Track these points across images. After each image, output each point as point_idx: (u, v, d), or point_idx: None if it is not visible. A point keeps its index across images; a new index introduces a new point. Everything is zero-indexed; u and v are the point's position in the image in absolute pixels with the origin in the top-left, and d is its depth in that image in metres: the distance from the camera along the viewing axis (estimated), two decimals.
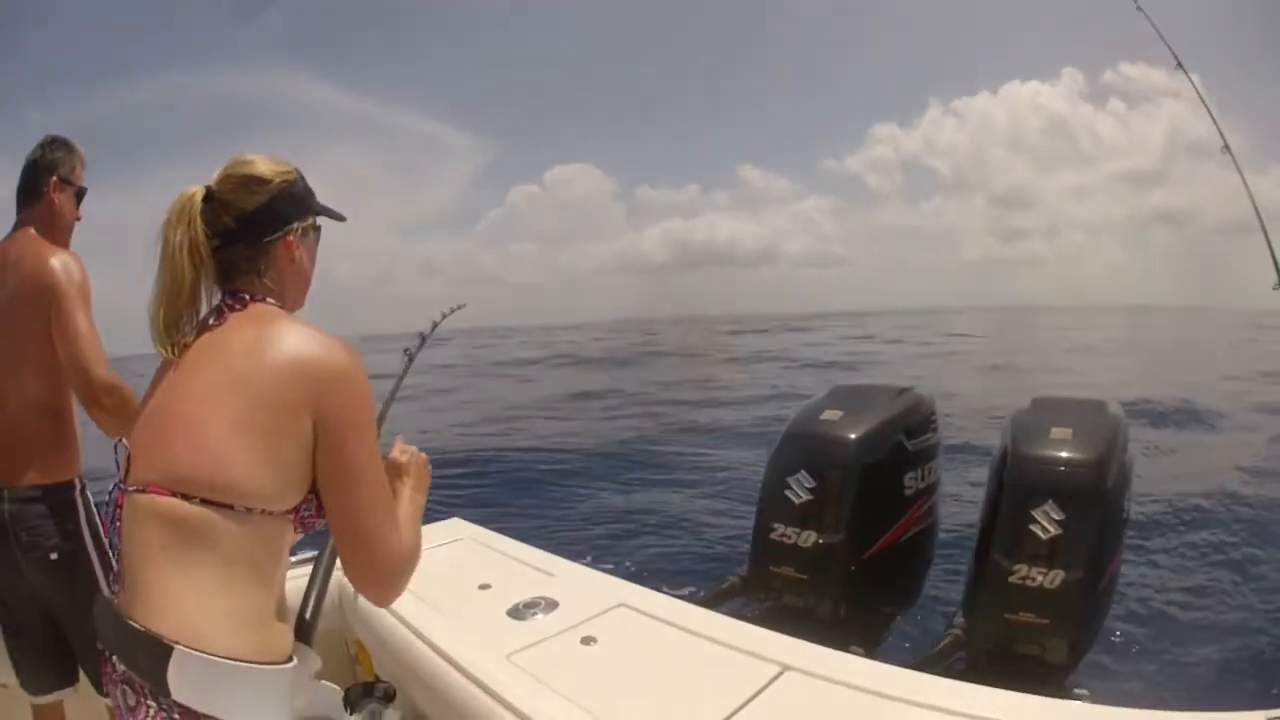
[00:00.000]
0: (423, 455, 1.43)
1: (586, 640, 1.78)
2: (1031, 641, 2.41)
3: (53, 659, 2.10)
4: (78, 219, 2.22)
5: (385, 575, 1.17)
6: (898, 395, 3.15)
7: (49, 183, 2.13)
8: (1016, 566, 2.43)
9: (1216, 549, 5.14)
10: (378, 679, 2.02)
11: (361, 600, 2.07)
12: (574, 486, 6.91)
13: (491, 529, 2.68)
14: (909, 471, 2.95)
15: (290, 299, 1.29)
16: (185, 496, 1.05)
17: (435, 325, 2.36)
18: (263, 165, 1.25)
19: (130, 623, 1.02)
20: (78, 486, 2.09)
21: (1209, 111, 3.42)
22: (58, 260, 2.03)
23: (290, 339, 1.14)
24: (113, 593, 1.78)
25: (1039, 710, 1.48)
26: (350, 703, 1.92)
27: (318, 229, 1.34)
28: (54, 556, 1.99)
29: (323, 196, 1.34)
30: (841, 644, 1.87)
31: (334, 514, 1.14)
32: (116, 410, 1.96)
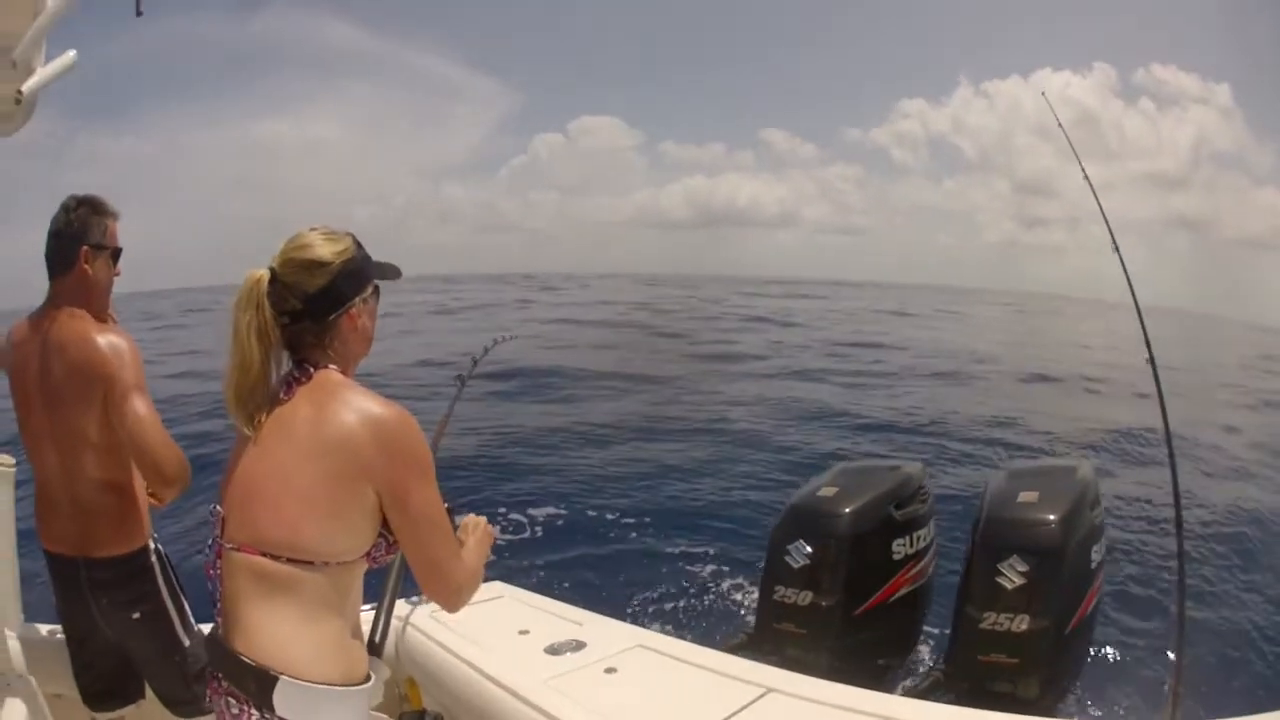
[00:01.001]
0: (490, 528, 1.59)
1: (609, 670, 2.13)
2: (1004, 679, 2.73)
3: (118, 684, 2.23)
4: (118, 274, 2.11)
5: (454, 591, 1.38)
6: (890, 471, 3.60)
7: (79, 252, 2.01)
8: (986, 614, 2.78)
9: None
10: (425, 710, 2.38)
11: (412, 641, 2.43)
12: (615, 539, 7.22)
13: (527, 589, 3.00)
14: (898, 538, 3.32)
15: (355, 357, 1.42)
16: (272, 556, 1.24)
17: (487, 350, 2.65)
18: (321, 247, 1.34)
19: (242, 658, 1.23)
20: (151, 549, 2.14)
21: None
22: (106, 343, 1.96)
23: (345, 416, 1.26)
24: (190, 636, 2.13)
25: None
26: None
27: (377, 291, 1.45)
28: (136, 616, 2.10)
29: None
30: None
31: (407, 550, 1.33)
32: (182, 487, 1.98)
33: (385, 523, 1.31)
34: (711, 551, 6.42)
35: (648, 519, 7.68)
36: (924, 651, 3.52)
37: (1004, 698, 2.71)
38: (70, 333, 1.99)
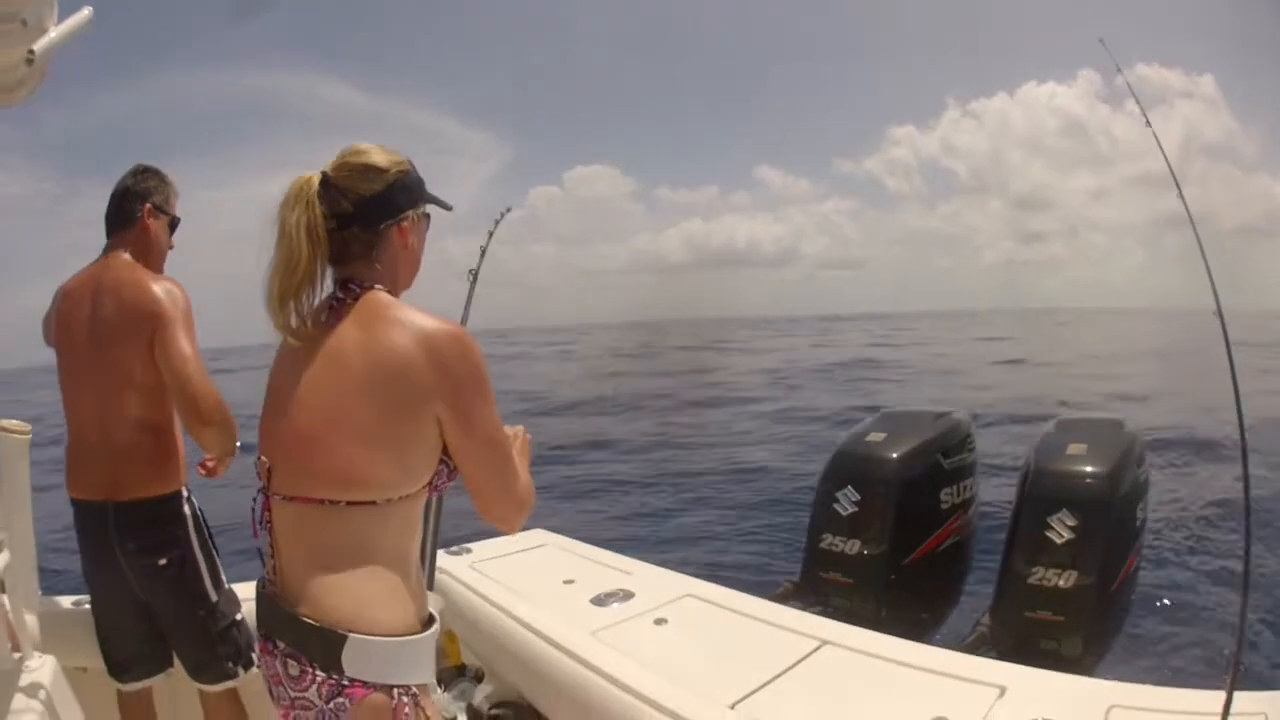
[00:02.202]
0: (527, 436, 1.51)
1: (659, 621, 2.09)
2: (1049, 637, 2.68)
3: (144, 651, 2.18)
4: (171, 247, 2.23)
5: (517, 511, 1.30)
6: (936, 419, 3.49)
7: (142, 209, 2.14)
8: (1034, 569, 2.72)
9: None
10: (465, 665, 2.33)
11: (451, 592, 2.39)
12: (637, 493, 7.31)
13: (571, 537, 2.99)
14: (945, 487, 3.25)
15: (402, 281, 1.34)
16: (331, 502, 1.16)
17: (491, 234, 2.55)
18: (379, 155, 1.28)
19: (304, 619, 1.14)
20: (184, 495, 2.14)
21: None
22: (160, 287, 2.04)
23: (398, 338, 1.18)
24: (222, 597, 2.10)
25: (1044, 682, 1.73)
26: (443, 681, 2.19)
27: (428, 216, 1.40)
28: (162, 562, 2.07)
29: None
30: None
31: (468, 473, 1.25)
32: (221, 429, 2.01)
33: (444, 447, 1.24)
34: (757, 500, 6.47)
35: (689, 471, 7.76)
36: (966, 606, 3.48)
37: (1048, 655, 2.67)
38: (126, 275, 2.08)
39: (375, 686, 1.14)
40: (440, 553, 2.59)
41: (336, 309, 1.24)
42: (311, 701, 1.14)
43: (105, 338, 2.04)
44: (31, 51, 1.63)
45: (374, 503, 1.17)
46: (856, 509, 3.13)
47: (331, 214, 1.24)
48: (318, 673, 1.13)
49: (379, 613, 1.16)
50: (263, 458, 1.25)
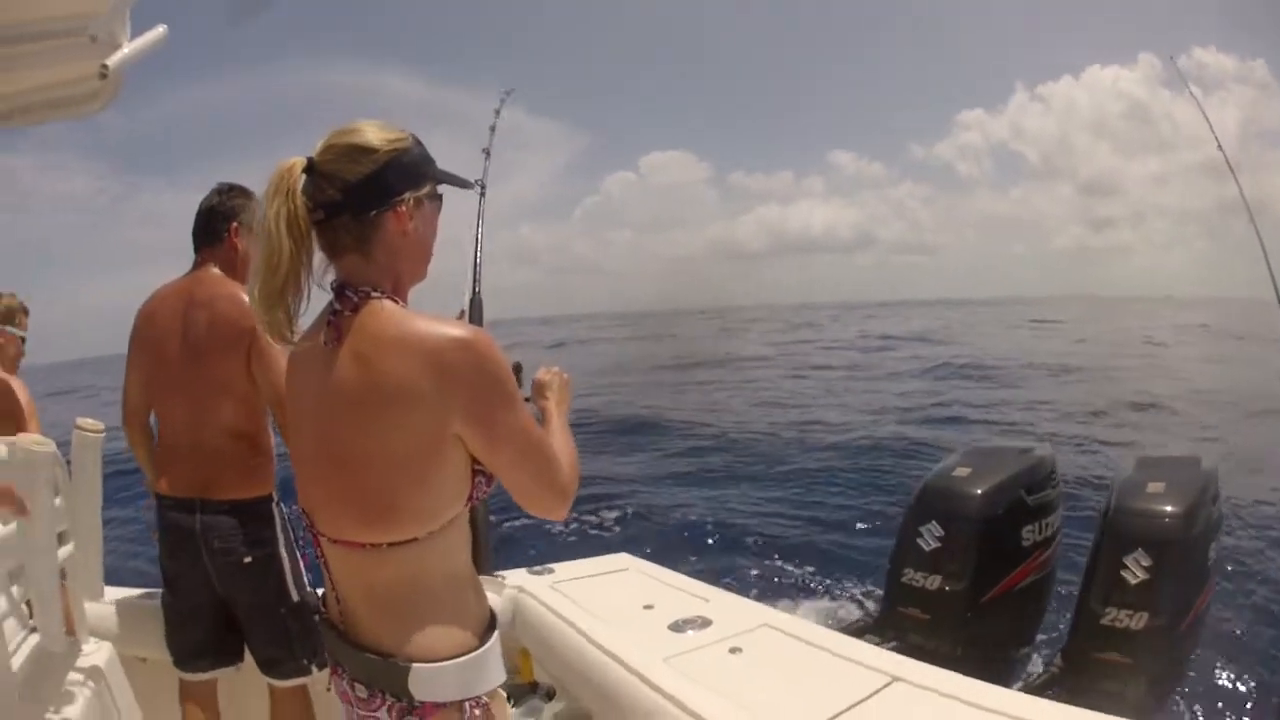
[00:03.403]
0: (565, 375, 1.46)
1: (733, 650, 2.08)
2: (1115, 679, 2.68)
3: (214, 644, 2.21)
4: None
5: (558, 501, 1.22)
6: (1021, 454, 3.53)
7: (229, 228, 2.19)
8: (1108, 609, 2.74)
9: None
10: (537, 683, 2.36)
11: (529, 611, 2.42)
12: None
13: (656, 563, 2.98)
14: (1027, 525, 3.26)
15: (407, 274, 1.21)
16: (373, 545, 1.12)
17: (493, 130, 2.48)
18: (371, 133, 1.15)
19: (367, 654, 1.14)
20: (274, 499, 2.19)
21: None
22: None
23: (399, 360, 1.08)
24: (300, 599, 2.15)
25: None
26: (514, 698, 2.24)
27: (438, 197, 1.24)
28: (247, 560, 2.11)
29: None
30: None
31: (505, 479, 1.18)
32: None
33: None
34: (842, 535, 6.48)
35: (779, 499, 7.77)
36: (1042, 642, 3.41)
37: (1113, 697, 2.67)
38: (220, 290, 2.14)
39: (446, 704, 1.14)
40: (521, 571, 2.65)
41: (335, 325, 1.13)
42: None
43: (199, 349, 2.11)
44: (105, 66, 1.69)
45: (415, 540, 1.12)
46: (939, 544, 3.16)
47: (317, 204, 1.12)
48: (387, 697, 1.13)
49: (440, 639, 1.15)
50: (298, 507, 1.23)
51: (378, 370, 1.08)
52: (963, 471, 3.34)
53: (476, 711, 1.16)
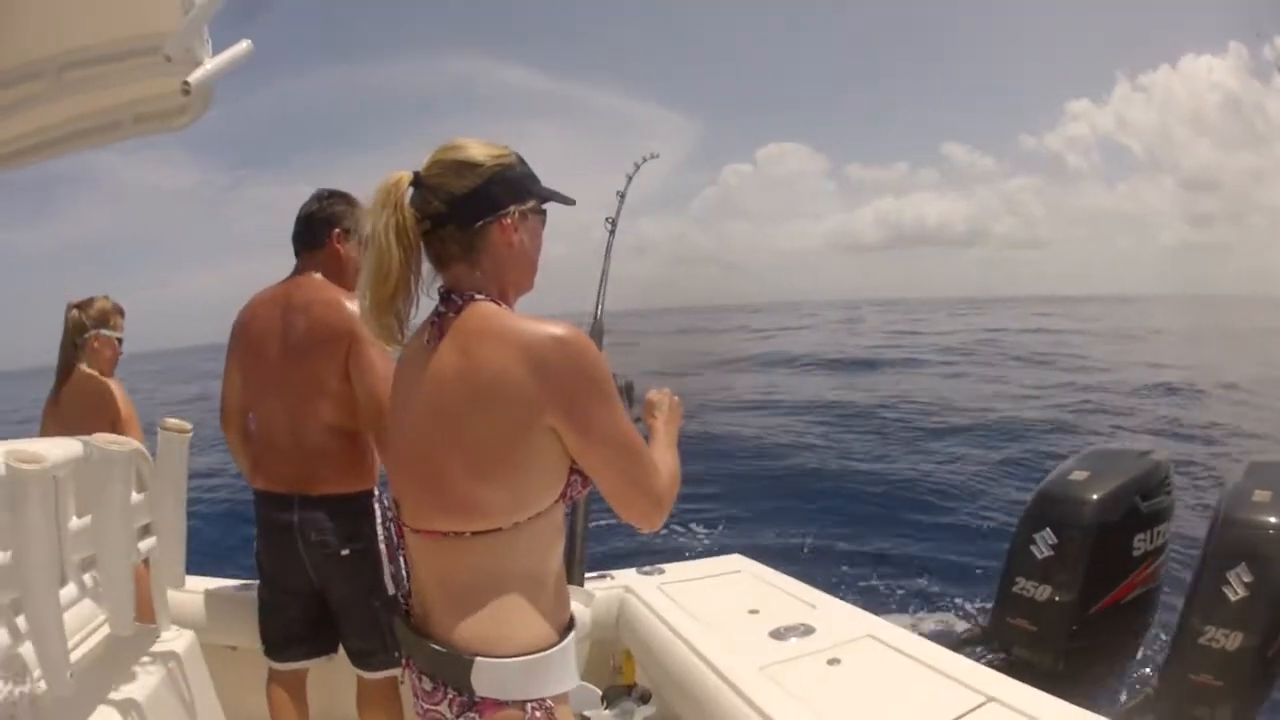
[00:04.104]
0: (675, 397, 1.48)
1: (832, 661, 2.02)
2: (1204, 704, 2.52)
3: (308, 634, 2.25)
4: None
5: (654, 510, 1.21)
6: (1139, 458, 3.33)
7: (330, 234, 2.21)
8: (1207, 628, 2.56)
9: None
10: (635, 685, 2.32)
11: (634, 614, 2.40)
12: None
13: (768, 565, 2.92)
14: (1139, 533, 3.08)
15: (513, 284, 1.25)
16: (455, 534, 1.13)
17: (630, 178, 2.52)
18: (475, 149, 1.19)
19: (433, 646, 1.14)
20: (374, 495, 2.22)
21: None
22: (354, 306, 1.99)
23: (496, 355, 1.11)
24: (396, 594, 2.11)
25: None
26: (608, 699, 2.22)
27: (541, 212, 1.28)
28: (345, 552, 2.15)
29: None
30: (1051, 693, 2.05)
31: (598, 479, 1.18)
32: None
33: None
34: (961, 543, 6.39)
35: (903, 504, 7.70)
36: (1142, 663, 3.26)
37: None
38: (320, 294, 2.17)
39: (507, 703, 1.12)
40: (631, 571, 2.63)
41: (438, 325, 1.17)
42: (444, 715, 1.15)
43: (298, 351, 2.14)
44: (187, 84, 1.70)
45: (499, 529, 1.12)
46: (1052, 553, 3.04)
47: (424, 215, 1.16)
48: (449, 690, 1.14)
49: (508, 635, 1.14)
50: (391, 495, 1.25)
51: (474, 359, 1.12)
52: (1079, 475, 3.20)
53: (538, 714, 1.14)
